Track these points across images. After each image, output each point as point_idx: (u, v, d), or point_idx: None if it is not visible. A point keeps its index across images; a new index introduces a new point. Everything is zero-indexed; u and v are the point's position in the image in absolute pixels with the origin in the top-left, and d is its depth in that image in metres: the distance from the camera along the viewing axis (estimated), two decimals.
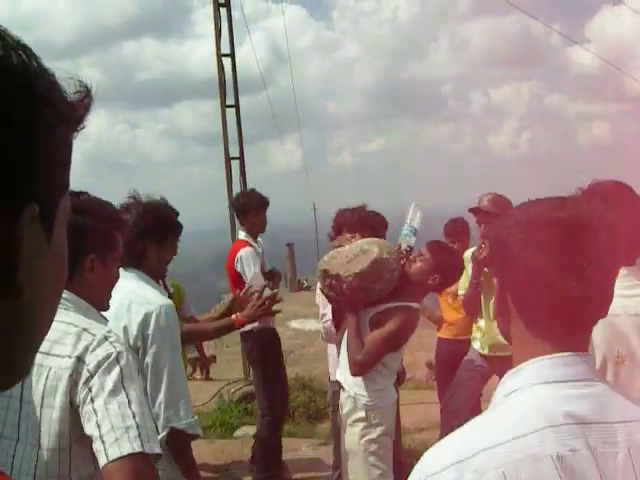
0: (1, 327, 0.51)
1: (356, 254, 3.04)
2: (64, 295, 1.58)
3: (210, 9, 8.07)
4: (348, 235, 3.55)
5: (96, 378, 1.45)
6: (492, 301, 4.04)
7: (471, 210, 3.99)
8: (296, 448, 5.44)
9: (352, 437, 3.05)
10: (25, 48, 0.51)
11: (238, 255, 4.62)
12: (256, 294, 3.09)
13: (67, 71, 0.55)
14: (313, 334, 10.77)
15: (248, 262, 4.54)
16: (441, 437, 3.85)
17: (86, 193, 1.73)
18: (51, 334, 1.50)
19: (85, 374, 1.46)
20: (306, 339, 11.16)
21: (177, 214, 3.39)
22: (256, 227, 4.71)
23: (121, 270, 1.83)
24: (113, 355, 1.48)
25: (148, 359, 2.16)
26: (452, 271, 3.18)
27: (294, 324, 11.99)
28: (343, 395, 3.14)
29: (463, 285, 4.15)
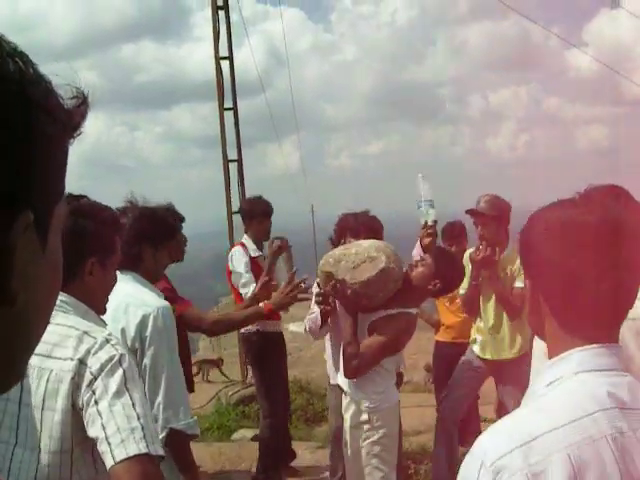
0: None
1: (363, 260, 3.00)
2: (63, 298, 1.58)
3: (208, 12, 8.09)
4: (351, 240, 3.54)
5: (99, 380, 1.45)
6: (490, 302, 4.04)
7: (468, 212, 4.00)
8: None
9: (355, 440, 3.06)
10: (22, 55, 0.50)
11: (230, 253, 4.77)
12: (284, 282, 3.10)
13: (64, 75, 0.55)
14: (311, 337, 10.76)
15: (237, 260, 4.65)
16: (437, 434, 3.80)
17: (86, 196, 1.73)
18: (52, 337, 1.50)
19: (88, 377, 1.46)
20: (304, 342, 11.15)
21: (182, 219, 3.41)
22: (259, 234, 4.75)
23: (117, 273, 1.83)
24: (116, 358, 1.48)
25: (146, 361, 2.17)
26: (453, 277, 3.21)
27: (291, 327, 11.99)
28: (345, 399, 3.14)
29: (463, 285, 4.16)
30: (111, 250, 1.74)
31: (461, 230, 4.93)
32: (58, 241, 0.57)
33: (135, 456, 1.37)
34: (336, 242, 3.73)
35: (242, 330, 4.70)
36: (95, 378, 1.45)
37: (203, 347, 12.86)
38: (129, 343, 2.19)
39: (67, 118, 0.54)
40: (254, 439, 5.38)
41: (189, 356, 3.55)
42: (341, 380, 3.18)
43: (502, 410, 4.32)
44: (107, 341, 1.51)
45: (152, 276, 2.49)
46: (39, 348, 1.57)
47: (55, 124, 0.52)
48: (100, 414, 1.42)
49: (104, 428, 1.40)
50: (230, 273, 4.70)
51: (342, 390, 3.18)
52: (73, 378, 1.46)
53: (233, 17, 8.24)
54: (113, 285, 1.80)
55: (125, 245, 1.83)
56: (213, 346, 12.59)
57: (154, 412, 2.09)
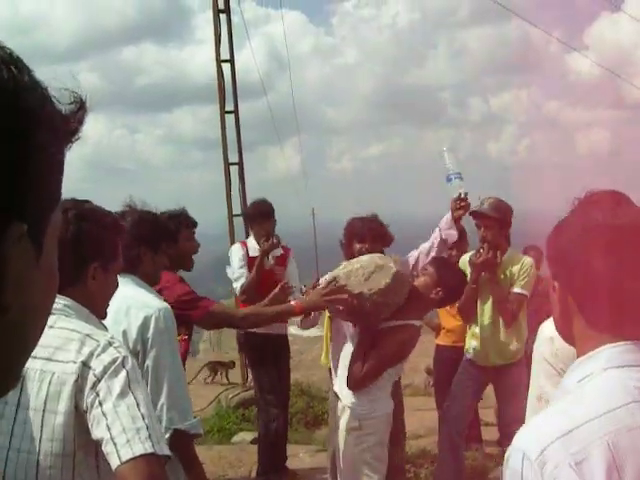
0: None
1: (372, 271, 2.97)
2: (66, 302, 1.59)
3: (210, 14, 8.10)
4: (358, 246, 3.52)
5: (103, 382, 1.45)
6: (487, 306, 4.04)
7: (471, 213, 3.99)
8: (294, 454, 5.42)
9: (346, 446, 3.07)
10: (17, 61, 0.50)
11: (230, 250, 4.84)
12: (323, 283, 3.02)
13: (62, 80, 0.54)
14: (312, 340, 10.76)
15: (233, 254, 4.72)
16: (439, 444, 3.82)
17: (89, 201, 1.74)
18: (54, 340, 1.51)
19: (91, 379, 1.46)
20: (305, 345, 11.15)
21: (195, 224, 3.39)
22: (259, 235, 4.77)
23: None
24: (119, 360, 1.48)
25: (148, 362, 2.17)
26: (455, 286, 3.24)
27: (292, 330, 11.99)
28: (339, 405, 3.15)
29: None
30: (114, 255, 1.75)
31: (461, 234, 4.93)
32: (54, 247, 0.57)
33: (141, 456, 1.37)
34: (346, 246, 3.69)
35: (245, 331, 4.70)
36: (99, 380, 1.46)
37: (204, 349, 12.86)
38: (131, 345, 2.19)
39: (64, 124, 0.54)
40: (254, 442, 5.38)
41: None
42: (336, 386, 3.20)
43: (501, 414, 4.32)
44: (110, 344, 1.52)
45: (151, 279, 2.49)
46: (41, 352, 1.57)
47: (50, 132, 0.51)
48: (105, 415, 1.42)
49: (109, 429, 1.40)
50: None
51: (337, 396, 3.18)
52: (76, 381, 1.47)
53: (234, 20, 8.26)
54: (115, 290, 1.81)
55: (124, 248, 1.84)
56: (213, 348, 12.60)
57: (157, 413, 2.10)
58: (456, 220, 3.51)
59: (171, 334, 2.25)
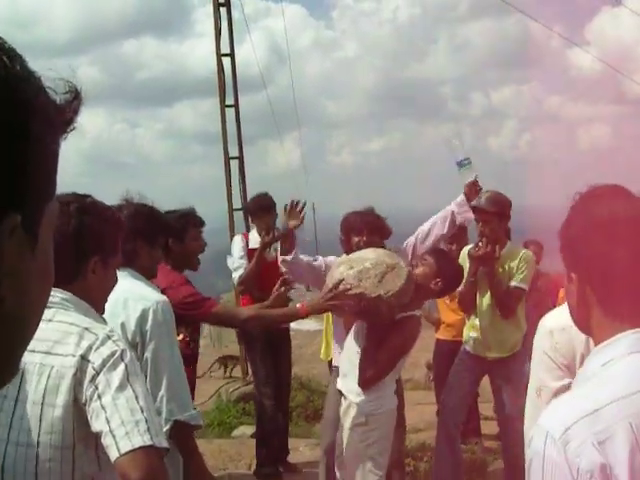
0: None
1: (384, 271, 2.87)
2: (64, 296, 1.59)
3: (210, 8, 8.08)
4: (356, 239, 3.51)
5: (102, 375, 1.46)
6: (485, 299, 4.04)
7: (470, 208, 3.99)
8: (294, 448, 5.43)
9: (351, 442, 3.06)
10: (9, 51, 0.49)
11: (232, 240, 4.92)
12: (329, 284, 2.97)
13: (64, 72, 0.54)
14: (312, 334, 10.78)
15: (234, 245, 4.77)
16: (438, 437, 3.82)
17: (90, 196, 1.74)
18: (52, 334, 1.51)
19: (90, 372, 1.47)
20: (304, 339, 11.16)
21: (203, 224, 3.38)
22: (260, 229, 4.78)
23: None
24: (117, 353, 1.49)
25: (147, 354, 2.18)
26: (453, 276, 3.26)
27: (292, 324, 12.01)
28: (344, 403, 3.13)
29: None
30: (114, 250, 1.75)
31: (461, 228, 4.92)
32: (49, 238, 0.56)
33: (140, 448, 1.38)
34: (345, 241, 3.68)
35: None
36: (97, 373, 1.46)
37: (204, 345, 12.87)
38: (129, 337, 2.19)
39: (58, 114, 0.53)
40: (254, 436, 5.39)
41: None
42: (340, 383, 3.19)
43: (496, 405, 4.33)
44: (108, 337, 1.52)
45: (147, 272, 2.50)
46: (40, 345, 1.57)
47: (44, 122, 0.51)
48: (104, 408, 1.43)
49: (108, 422, 1.41)
50: None
51: (341, 393, 3.17)
52: (75, 374, 1.47)
53: (235, 14, 8.24)
54: (114, 285, 1.81)
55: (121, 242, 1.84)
56: (214, 343, 12.61)
57: (157, 405, 2.10)
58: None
59: (169, 326, 2.25)
